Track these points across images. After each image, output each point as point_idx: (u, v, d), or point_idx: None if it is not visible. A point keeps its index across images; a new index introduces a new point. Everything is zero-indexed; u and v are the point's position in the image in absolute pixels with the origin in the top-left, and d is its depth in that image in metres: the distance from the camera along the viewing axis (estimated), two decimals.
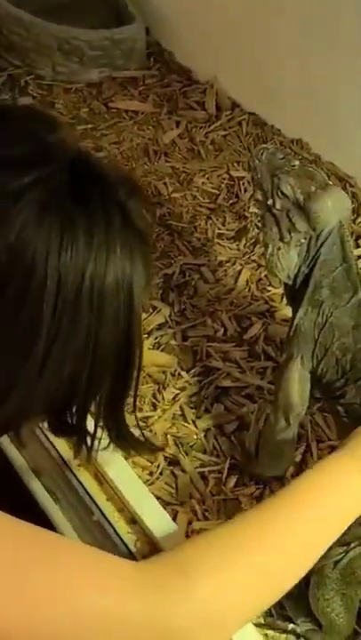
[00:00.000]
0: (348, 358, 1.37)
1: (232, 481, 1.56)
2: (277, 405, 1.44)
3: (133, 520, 1.25)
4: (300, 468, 1.57)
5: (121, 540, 1.20)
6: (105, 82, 2.55)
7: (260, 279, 1.95)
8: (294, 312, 1.43)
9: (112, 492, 1.28)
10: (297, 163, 1.41)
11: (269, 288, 1.92)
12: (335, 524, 0.98)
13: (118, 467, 1.31)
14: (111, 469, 1.29)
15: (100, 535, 1.22)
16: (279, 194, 1.38)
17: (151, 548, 1.24)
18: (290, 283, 1.41)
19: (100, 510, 1.22)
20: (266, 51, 2.32)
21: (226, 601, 0.87)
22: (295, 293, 1.43)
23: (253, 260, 1.99)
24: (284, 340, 1.67)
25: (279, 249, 1.39)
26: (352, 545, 1.26)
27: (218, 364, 1.75)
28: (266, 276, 1.94)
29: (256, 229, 2.04)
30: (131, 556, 1.20)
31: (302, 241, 1.37)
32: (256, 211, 2.08)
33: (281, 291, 1.89)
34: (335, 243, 1.37)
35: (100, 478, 1.29)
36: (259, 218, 1.50)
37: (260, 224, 1.45)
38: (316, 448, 1.61)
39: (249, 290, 1.93)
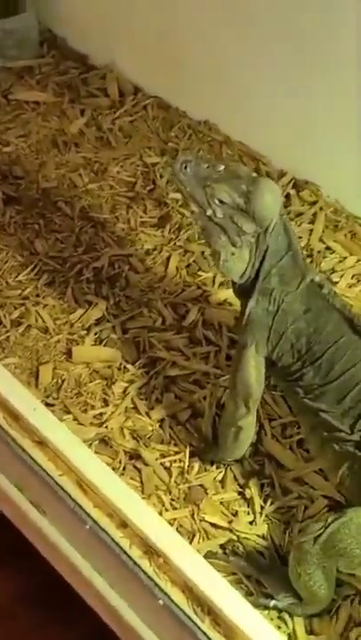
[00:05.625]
0: (303, 342, 1.43)
1: (194, 468, 1.59)
2: (236, 393, 1.49)
3: (124, 524, 1.28)
4: (256, 447, 1.62)
5: (117, 544, 1.23)
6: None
7: (190, 264, 1.97)
8: (244, 303, 1.48)
9: (99, 498, 1.30)
10: (222, 167, 1.46)
11: (200, 273, 1.95)
12: None
13: (101, 472, 1.33)
14: (94, 476, 1.31)
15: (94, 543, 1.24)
16: (217, 202, 1.42)
17: (146, 548, 1.27)
18: (243, 281, 1.46)
19: (92, 518, 1.24)
20: (164, 30, 2.28)
21: None
22: (245, 287, 1.47)
23: (180, 246, 2.01)
24: (234, 329, 1.73)
25: (233, 254, 1.44)
26: (329, 520, 1.33)
27: (162, 354, 1.78)
28: (195, 261, 1.97)
29: (179, 215, 2.06)
30: (129, 558, 1.23)
31: (252, 240, 1.42)
32: (178, 203, 2.08)
33: (212, 274, 1.93)
34: (280, 233, 1.43)
35: (84, 486, 1.31)
36: (199, 230, 1.53)
37: (202, 235, 1.49)
38: (268, 426, 1.67)
39: (180, 276, 1.95)
